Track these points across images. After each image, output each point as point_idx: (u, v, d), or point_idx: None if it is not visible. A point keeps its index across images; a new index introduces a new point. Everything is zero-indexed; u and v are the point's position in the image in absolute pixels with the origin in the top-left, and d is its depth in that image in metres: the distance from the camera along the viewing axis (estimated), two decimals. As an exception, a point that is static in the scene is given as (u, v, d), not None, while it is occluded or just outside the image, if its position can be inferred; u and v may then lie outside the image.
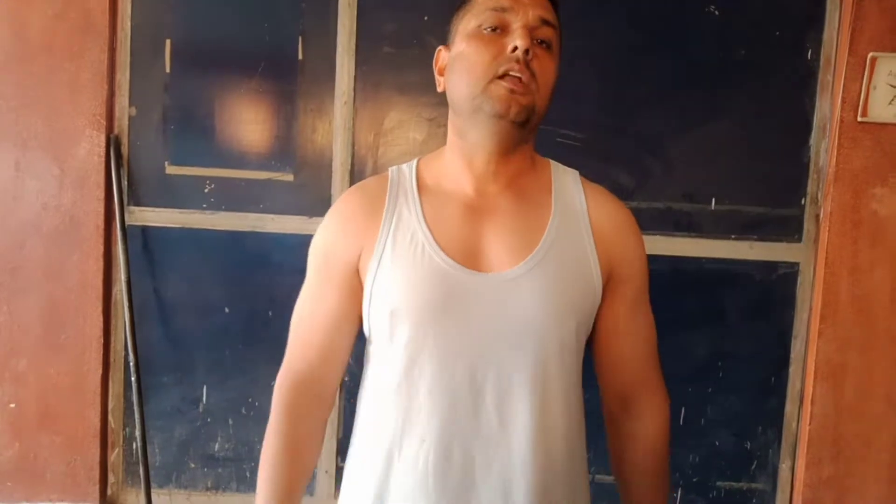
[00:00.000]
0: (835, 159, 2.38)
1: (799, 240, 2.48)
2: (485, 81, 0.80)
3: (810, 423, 2.44)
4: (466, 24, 0.83)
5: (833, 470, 2.45)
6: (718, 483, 2.55)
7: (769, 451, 2.55)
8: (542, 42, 0.82)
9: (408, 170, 0.87)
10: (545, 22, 0.81)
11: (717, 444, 2.54)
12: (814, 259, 2.46)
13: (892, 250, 2.37)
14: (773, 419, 2.53)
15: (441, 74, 0.88)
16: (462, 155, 0.84)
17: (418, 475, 0.80)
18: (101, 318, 2.39)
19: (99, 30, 2.33)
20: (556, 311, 0.79)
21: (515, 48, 0.78)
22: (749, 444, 2.55)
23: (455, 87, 0.84)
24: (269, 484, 0.86)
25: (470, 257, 0.80)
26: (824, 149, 2.43)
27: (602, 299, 0.85)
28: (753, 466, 2.56)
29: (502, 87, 0.79)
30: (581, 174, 0.92)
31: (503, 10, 0.80)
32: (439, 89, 0.88)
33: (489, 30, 0.81)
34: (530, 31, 0.80)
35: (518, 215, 0.83)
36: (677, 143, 2.46)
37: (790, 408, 2.52)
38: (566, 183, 0.87)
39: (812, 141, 2.45)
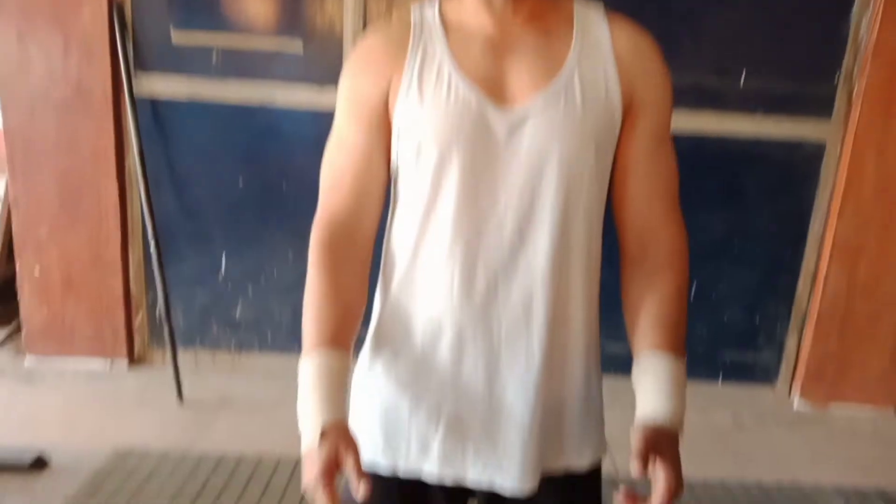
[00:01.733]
0: (876, 34, 2.24)
1: (828, 117, 2.39)
2: None
3: (821, 301, 2.47)
4: None
5: (838, 345, 2.50)
6: (724, 355, 2.63)
7: (777, 326, 2.60)
8: None
9: (430, 9, 0.87)
10: None
11: (725, 318, 2.58)
12: (841, 137, 2.38)
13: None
14: (784, 296, 2.56)
15: None
16: None
17: (444, 293, 0.84)
18: (116, 189, 2.40)
19: None
20: (575, 137, 0.81)
21: None
22: (758, 318, 2.59)
23: None
24: (314, 324, 0.82)
25: (494, 89, 0.81)
26: (866, 22, 2.28)
27: (623, 128, 0.85)
28: (760, 340, 2.62)
29: None
30: None
31: None
32: None
33: None
34: None
35: (539, 48, 0.83)
36: (709, 13, 2.31)
37: (802, 285, 2.54)
38: (589, 14, 0.86)
39: (853, 13, 2.30)
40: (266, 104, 2.38)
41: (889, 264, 2.41)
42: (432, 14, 0.86)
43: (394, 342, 0.88)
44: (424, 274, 0.86)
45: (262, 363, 2.62)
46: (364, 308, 0.88)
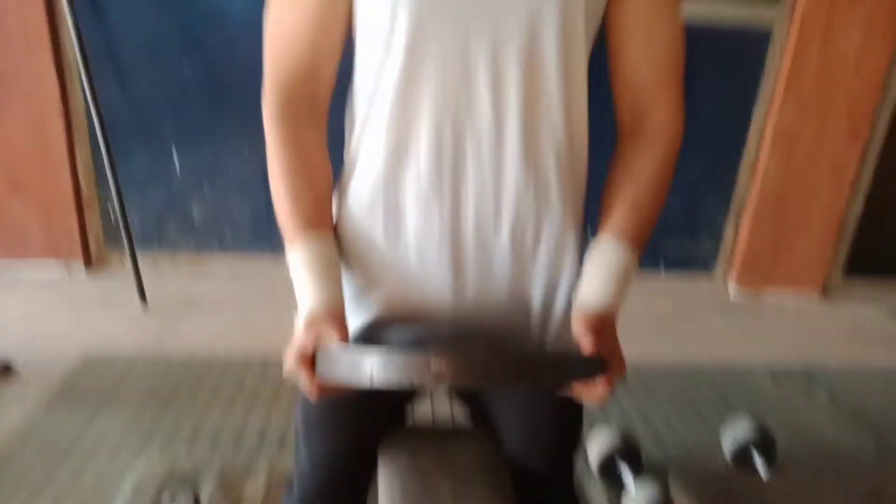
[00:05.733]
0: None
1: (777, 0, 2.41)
2: None
3: (759, 190, 2.58)
4: None
5: (773, 233, 2.65)
6: (667, 246, 2.75)
7: (717, 217, 2.72)
8: None
9: None
10: None
11: (668, 208, 2.65)
12: (789, 20, 2.41)
13: (870, 12, 2.34)
14: (725, 186, 2.67)
15: None
16: None
17: (413, 176, 0.76)
18: (55, 76, 2.26)
19: None
20: None
21: None
22: (698, 209, 2.71)
23: None
24: (291, 209, 0.74)
25: None
26: None
27: None
28: (700, 230, 2.74)
29: None
30: None
31: None
32: None
33: None
34: None
35: None
36: None
37: (742, 175, 2.64)
38: None
39: None
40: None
41: (822, 152, 2.53)
42: None
43: (345, 225, 0.81)
44: (369, 146, 0.77)
45: (223, 264, 2.61)
46: (332, 179, 0.81)
